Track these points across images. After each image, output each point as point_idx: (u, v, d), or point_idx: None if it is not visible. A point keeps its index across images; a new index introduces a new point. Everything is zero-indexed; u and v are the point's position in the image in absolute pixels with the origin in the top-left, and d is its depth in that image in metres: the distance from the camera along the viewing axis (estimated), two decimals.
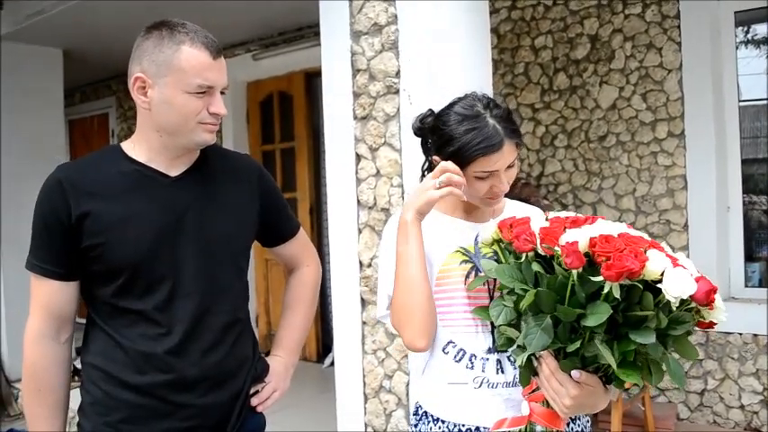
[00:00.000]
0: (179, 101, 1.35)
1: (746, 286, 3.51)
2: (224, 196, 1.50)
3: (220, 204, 1.49)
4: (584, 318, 1.12)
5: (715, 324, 1.16)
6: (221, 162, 1.55)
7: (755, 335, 3.29)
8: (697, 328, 1.18)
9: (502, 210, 1.55)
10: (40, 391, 1.41)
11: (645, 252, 1.12)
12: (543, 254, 1.20)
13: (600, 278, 1.10)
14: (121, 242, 1.36)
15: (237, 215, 1.52)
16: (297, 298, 1.73)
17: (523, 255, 1.24)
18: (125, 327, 1.40)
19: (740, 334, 3.34)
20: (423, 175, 1.58)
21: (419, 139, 1.57)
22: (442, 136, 1.43)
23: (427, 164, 1.54)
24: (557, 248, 1.16)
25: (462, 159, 1.37)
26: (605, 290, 1.10)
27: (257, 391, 1.58)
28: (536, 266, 1.20)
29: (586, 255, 1.13)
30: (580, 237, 1.14)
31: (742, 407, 3.36)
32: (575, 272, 1.13)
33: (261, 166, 1.65)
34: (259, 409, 1.58)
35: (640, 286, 1.10)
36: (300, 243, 1.74)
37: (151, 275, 1.39)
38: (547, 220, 1.25)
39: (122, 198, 1.39)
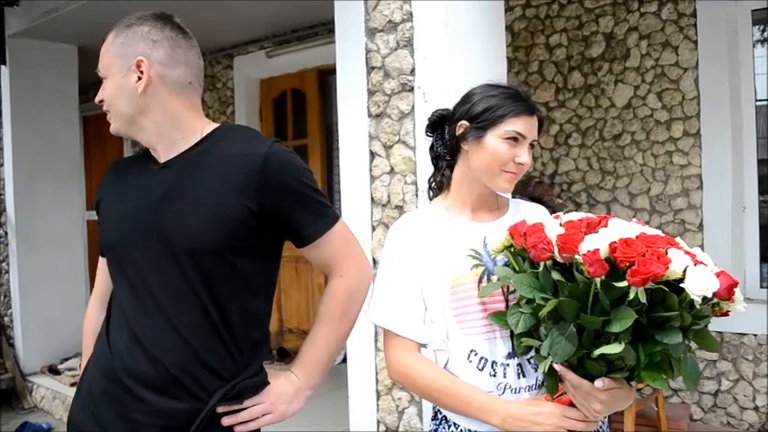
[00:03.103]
0: None
1: (762, 287, 3.48)
2: (203, 186, 1.34)
3: (196, 196, 1.34)
4: (608, 324, 1.11)
5: (730, 312, 1.17)
6: (221, 148, 1.39)
7: None
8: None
9: (507, 206, 1.55)
10: (90, 344, 1.54)
11: (666, 253, 1.11)
12: (562, 261, 1.19)
13: (624, 283, 1.09)
14: (106, 225, 1.46)
15: (214, 209, 1.33)
16: (324, 312, 1.48)
17: (541, 263, 1.22)
18: (111, 309, 1.46)
19: (755, 335, 3.31)
20: (431, 186, 1.59)
21: (430, 138, 1.57)
22: (472, 100, 1.45)
23: (442, 150, 1.53)
24: (577, 257, 1.14)
25: (496, 116, 1.40)
26: (630, 296, 1.09)
27: (242, 409, 1.38)
28: (556, 275, 1.19)
29: (607, 260, 1.12)
30: (600, 243, 1.13)
31: (756, 408, 3.33)
32: (598, 279, 1.12)
33: (274, 154, 1.37)
34: (237, 429, 1.38)
35: (665, 288, 1.10)
36: (333, 248, 1.45)
37: (119, 262, 1.42)
38: (561, 225, 1.23)
39: (120, 184, 1.47)
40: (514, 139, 1.39)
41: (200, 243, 1.32)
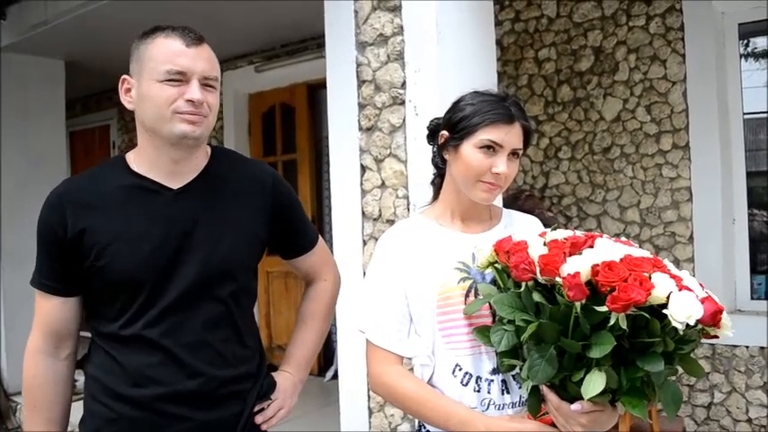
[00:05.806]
0: (152, 91, 1.33)
1: (752, 299, 3.49)
2: (229, 210, 1.44)
3: (224, 219, 1.43)
4: (588, 349, 1.10)
5: (718, 336, 1.15)
6: (231, 171, 1.49)
7: (762, 347, 3.26)
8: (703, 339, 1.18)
9: (499, 216, 1.53)
10: (36, 408, 1.42)
11: (650, 277, 1.09)
12: (544, 282, 1.18)
13: (604, 308, 1.07)
14: (117, 258, 1.34)
15: (244, 230, 1.46)
16: (312, 313, 1.67)
17: (523, 283, 1.20)
18: (114, 341, 1.38)
19: (747, 347, 3.31)
20: (433, 186, 1.57)
21: (428, 149, 1.56)
22: (455, 108, 1.43)
23: (438, 159, 1.52)
24: (558, 279, 1.13)
25: (471, 125, 1.37)
26: (611, 321, 1.08)
27: (263, 409, 1.53)
28: (537, 297, 1.17)
29: (589, 283, 1.10)
30: (582, 266, 1.11)
31: (749, 420, 3.32)
32: (578, 303, 1.10)
33: (275, 174, 1.57)
34: (264, 427, 1.53)
35: (647, 315, 1.08)
36: (319, 256, 1.67)
37: (147, 292, 1.35)
38: (545, 244, 1.21)
39: (120, 213, 1.36)
40: (490, 148, 1.36)
41: (237, 264, 1.44)
